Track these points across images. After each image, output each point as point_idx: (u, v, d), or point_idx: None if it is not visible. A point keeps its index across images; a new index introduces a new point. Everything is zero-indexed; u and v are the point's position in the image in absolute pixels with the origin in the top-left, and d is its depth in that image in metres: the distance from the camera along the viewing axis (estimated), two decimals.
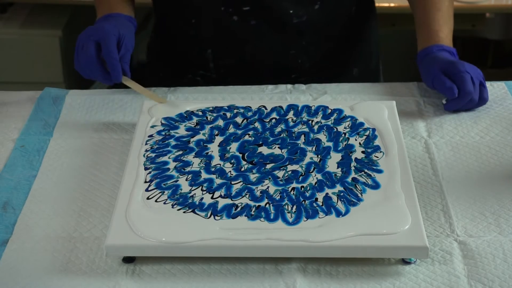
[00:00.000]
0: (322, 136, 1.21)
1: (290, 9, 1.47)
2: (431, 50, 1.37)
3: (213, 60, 1.52)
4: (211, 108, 1.28)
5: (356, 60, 1.59)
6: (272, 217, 1.05)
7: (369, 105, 1.28)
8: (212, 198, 1.08)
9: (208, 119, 1.25)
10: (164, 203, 1.07)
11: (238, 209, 1.06)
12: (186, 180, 1.12)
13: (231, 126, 1.24)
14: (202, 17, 1.49)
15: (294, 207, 1.06)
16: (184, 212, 1.06)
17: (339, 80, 1.45)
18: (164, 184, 1.11)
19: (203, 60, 1.53)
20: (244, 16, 1.47)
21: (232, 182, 1.11)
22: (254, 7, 1.46)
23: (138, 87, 1.33)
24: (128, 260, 1.03)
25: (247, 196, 1.08)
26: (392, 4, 2.39)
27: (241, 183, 1.11)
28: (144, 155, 1.17)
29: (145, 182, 1.11)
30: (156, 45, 1.64)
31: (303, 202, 1.07)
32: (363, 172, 1.13)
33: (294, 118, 1.25)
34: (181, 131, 1.23)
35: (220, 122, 1.25)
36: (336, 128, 1.22)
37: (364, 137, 1.20)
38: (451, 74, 1.32)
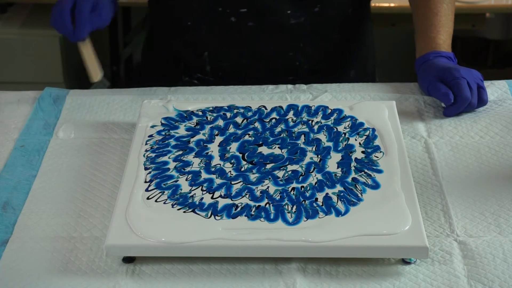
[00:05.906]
0: (322, 136, 1.21)
1: (288, 10, 1.46)
2: (428, 57, 1.36)
3: (210, 63, 1.52)
4: (211, 108, 1.28)
5: (353, 61, 1.58)
6: (272, 217, 1.05)
7: (369, 105, 1.28)
8: (212, 198, 1.08)
9: (208, 119, 1.25)
10: (164, 203, 1.07)
11: (238, 209, 1.06)
12: (186, 180, 1.12)
13: (231, 126, 1.24)
14: (198, 20, 1.48)
15: (294, 207, 1.06)
16: (184, 212, 1.06)
17: (337, 82, 1.45)
18: (164, 184, 1.11)
19: (200, 63, 1.52)
20: (242, 17, 1.46)
21: (232, 182, 1.11)
22: (251, 8, 1.46)
23: (88, 55, 1.37)
24: (128, 260, 1.03)
25: (247, 196, 1.08)
26: (392, 4, 2.39)
27: (241, 183, 1.11)
28: (144, 155, 1.17)
29: (145, 182, 1.11)
30: (150, 47, 1.63)
31: (303, 202, 1.07)
32: (363, 172, 1.13)
33: (294, 118, 1.25)
34: (181, 131, 1.23)
35: (220, 122, 1.25)
36: (336, 128, 1.22)
37: (364, 137, 1.20)
38: (447, 81, 1.31)
